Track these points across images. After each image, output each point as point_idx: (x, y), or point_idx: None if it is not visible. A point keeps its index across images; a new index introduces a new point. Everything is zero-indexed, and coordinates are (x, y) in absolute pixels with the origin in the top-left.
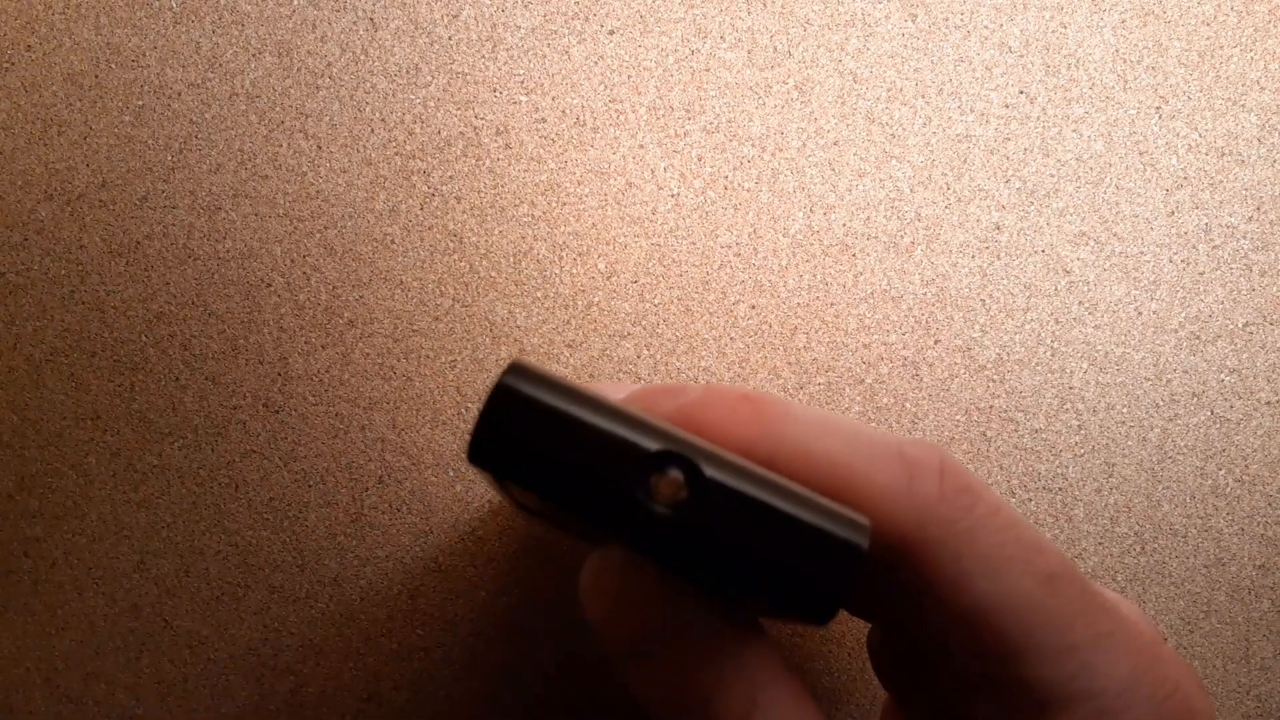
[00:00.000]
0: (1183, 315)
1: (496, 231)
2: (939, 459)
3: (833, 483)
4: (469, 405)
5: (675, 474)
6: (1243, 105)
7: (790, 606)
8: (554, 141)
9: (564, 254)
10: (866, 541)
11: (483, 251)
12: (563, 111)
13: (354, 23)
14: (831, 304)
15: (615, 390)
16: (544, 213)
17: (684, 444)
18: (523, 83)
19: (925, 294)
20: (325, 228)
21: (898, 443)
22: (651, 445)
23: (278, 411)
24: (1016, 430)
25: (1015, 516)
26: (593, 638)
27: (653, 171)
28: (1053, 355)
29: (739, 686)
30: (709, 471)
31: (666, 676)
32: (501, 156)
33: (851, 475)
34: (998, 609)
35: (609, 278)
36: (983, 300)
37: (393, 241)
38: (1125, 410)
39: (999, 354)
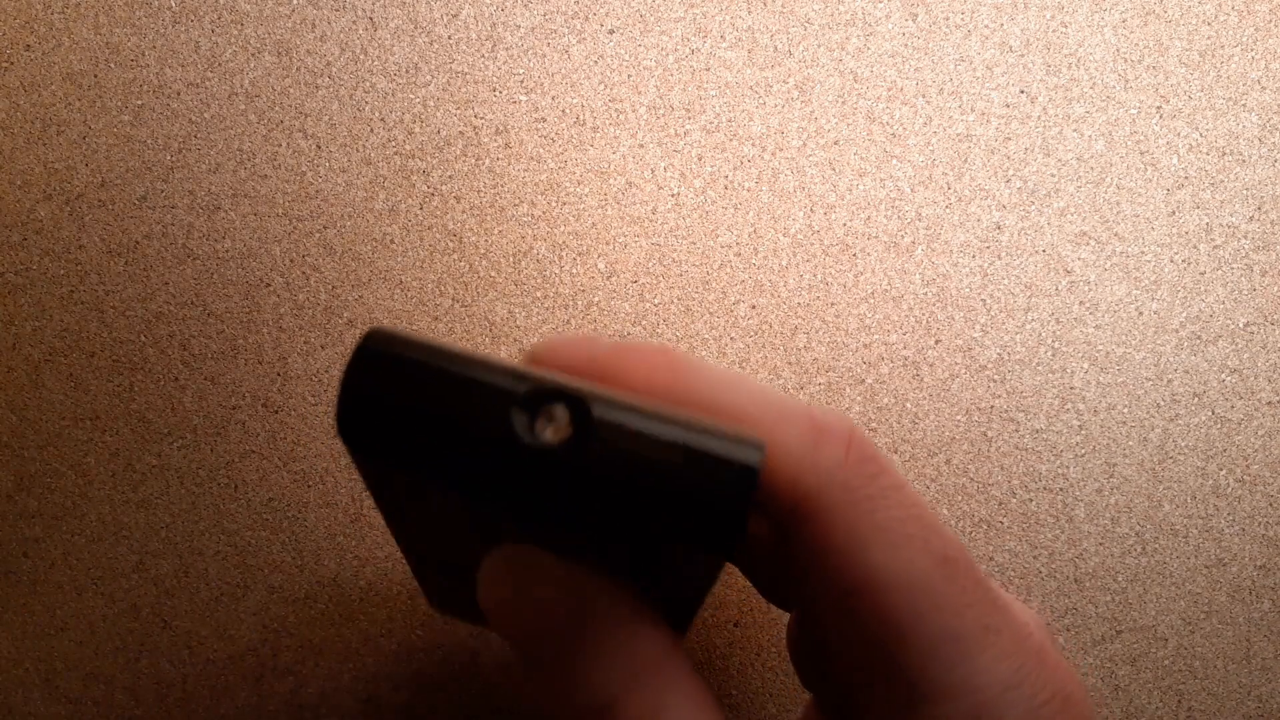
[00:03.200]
0: (1184, 315)
1: (496, 231)
2: (848, 428)
3: None
4: None
5: (560, 411)
6: (1244, 105)
7: (690, 535)
8: (554, 141)
9: (564, 253)
10: (760, 456)
11: (482, 251)
12: (562, 111)
13: (353, 22)
14: (832, 304)
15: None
16: (544, 212)
17: (566, 384)
18: (522, 82)
19: (926, 294)
20: (324, 227)
21: (807, 407)
22: (524, 387)
23: (277, 411)
24: (1017, 430)
25: (918, 497)
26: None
27: (653, 171)
28: (1054, 355)
29: (643, 690)
30: (596, 409)
31: (564, 681)
32: (501, 156)
33: (757, 431)
34: (888, 585)
35: (609, 277)
36: (983, 300)
37: (392, 241)
38: (1126, 410)
39: (1000, 354)
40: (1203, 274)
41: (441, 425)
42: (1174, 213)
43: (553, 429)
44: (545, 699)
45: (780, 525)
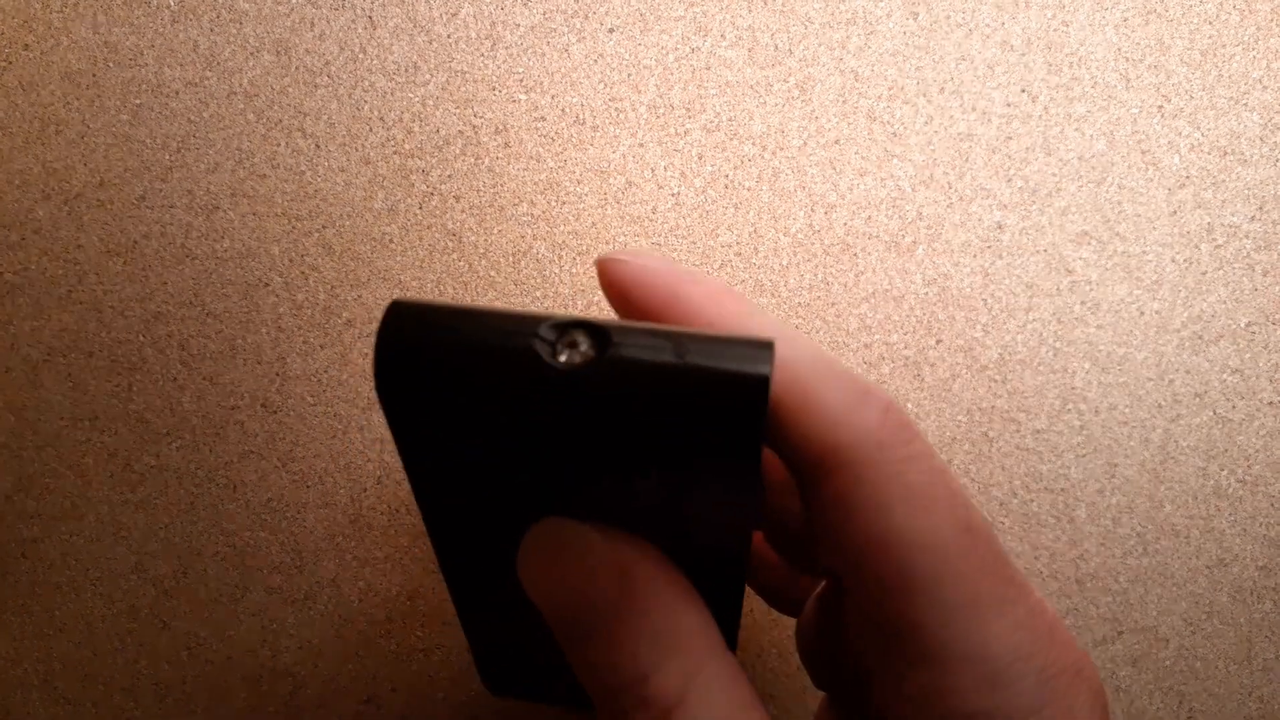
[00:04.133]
0: (1185, 315)
1: (496, 230)
2: (887, 397)
3: (789, 391)
4: None
5: (581, 338)
6: (1245, 104)
7: (713, 441)
8: (553, 140)
9: (563, 253)
10: (770, 356)
11: (482, 251)
12: (562, 110)
13: (352, 21)
14: (833, 303)
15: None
16: (543, 212)
17: (585, 317)
18: (522, 81)
19: (927, 293)
20: (323, 227)
21: (853, 374)
22: (546, 321)
23: (276, 412)
24: (1019, 430)
25: (946, 467)
26: None
27: (653, 170)
28: (1055, 355)
29: (676, 663)
30: (614, 334)
31: (602, 652)
32: (501, 155)
33: (806, 388)
34: (912, 545)
35: None
36: (985, 300)
37: (391, 241)
38: (1128, 411)
39: (1001, 354)
40: (1204, 274)
41: (473, 360)
42: (1175, 212)
43: (575, 354)
44: (582, 670)
45: (807, 476)
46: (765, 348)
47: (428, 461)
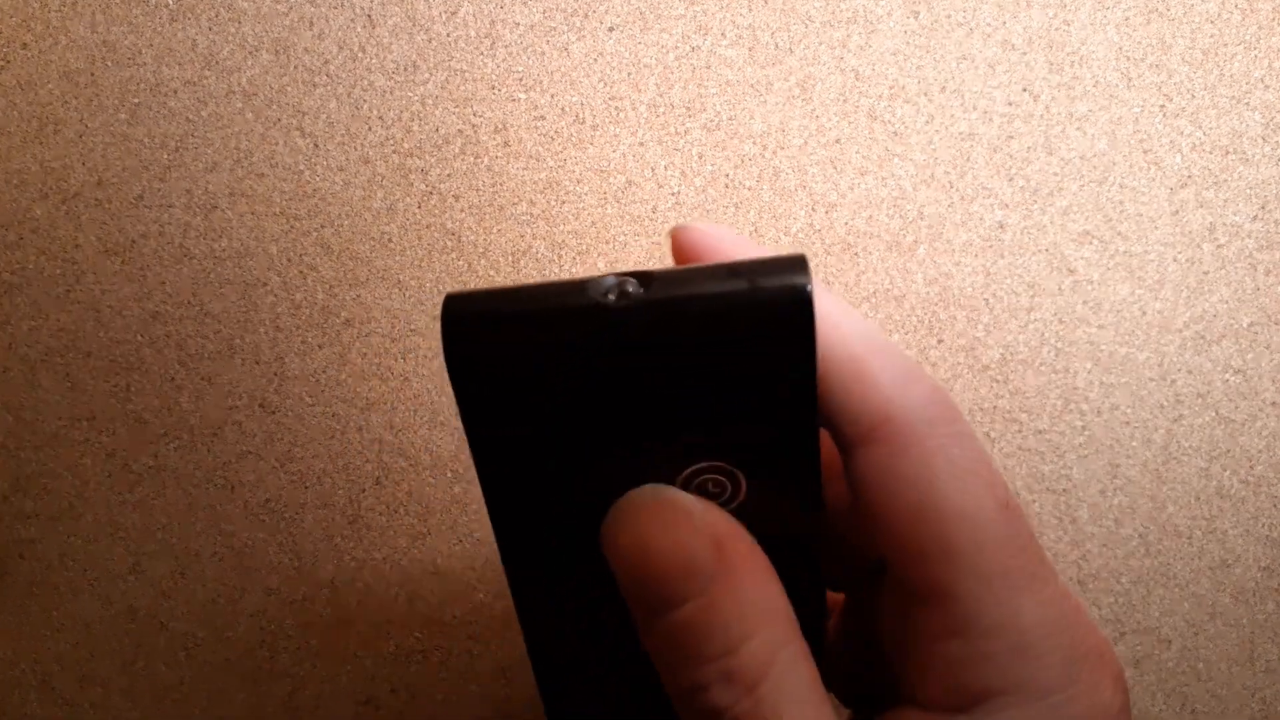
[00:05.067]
0: (1187, 315)
1: (495, 230)
2: (937, 381)
3: (845, 361)
4: None
5: (631, 283)
6: (1247, 103)
7: (765, 347)
8: (553, 139)
9: (563, 252)
10: (808, 268)
11: (481, 250)
12: (562, 109)
13: (351, 20)
14: None
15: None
16: (543, 211)
17: (631, 270)
18: (521, 80)
19: (928, 293)
20: (322, 226)
21: (905, 353)
22: (596, 276)
23: (274, 412)
24: (1020, 431)
25: (986, 450)
26: None
27: (653, 169)
28: (1057, 355)
29: (764, 636)
30: (658, 274)
31: (696, 620)
32: (500, 154)
33: (861, 358)
34: (953, 515)
35: None
36: (986, 300)
37: (390, 240)
38: (1130, 411)
39: (1003, 354)
40: (1206, 273)
41: (534, 319)
42: (1177, 212)
43: (626, 297)
44: (663, 642)
45: (856, 445)
46: (799, 261)
47: (498, 444)
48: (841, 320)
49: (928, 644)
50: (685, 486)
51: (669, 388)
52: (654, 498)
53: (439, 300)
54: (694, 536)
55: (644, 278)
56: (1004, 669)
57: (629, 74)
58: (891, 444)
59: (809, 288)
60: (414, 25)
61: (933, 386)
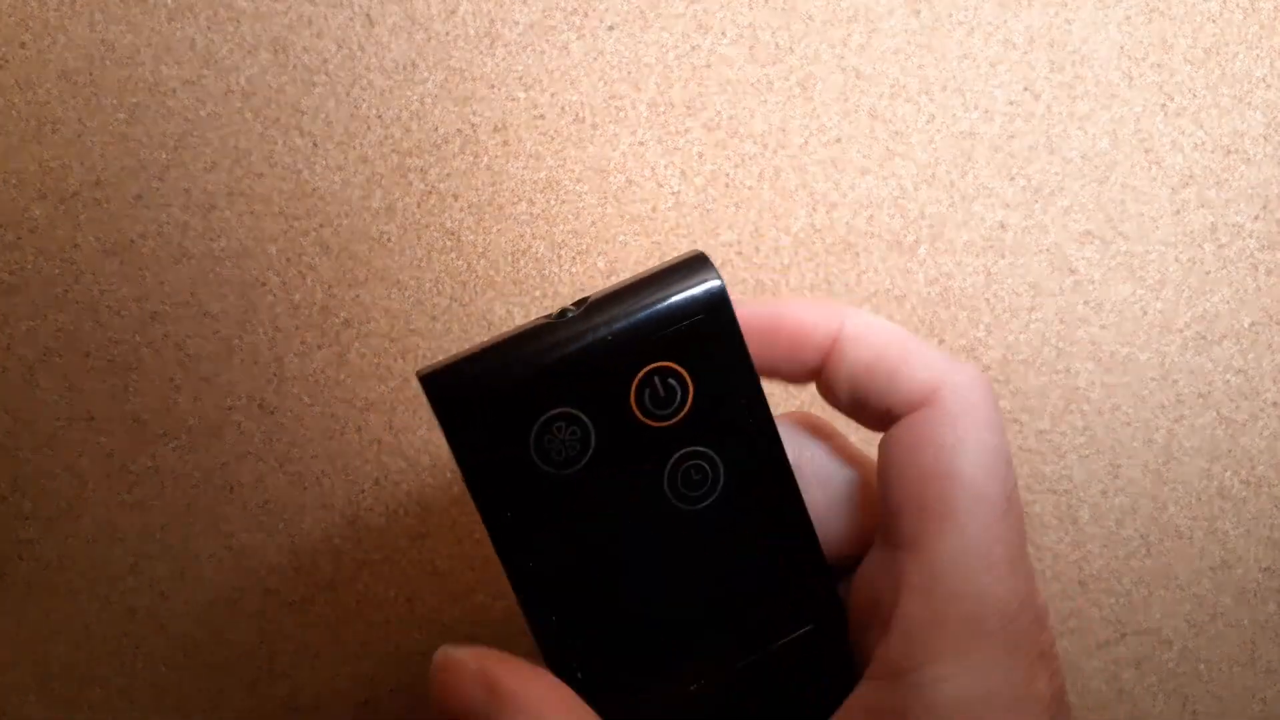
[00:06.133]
0: (1189, 315)
1: (494, 229)
2: (981, 370)
3: (894, 344)
4: None
5: (573, 307)
6: (1249, 103)
7: (689, 329)
8: (553, 138)
9: (563, 252)
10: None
11: (480, 250)
12: (561, 108)
13: (350, 19)
14: None
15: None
16: (543, 210)
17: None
18: (521, 79)
19: (929, 293)
20: (321, 226)
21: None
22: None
23: (273, 412)
24: (1022, 431)
25: (1007, 447)
26: None
27: (653, 169)
28: (1058, 355)
29: None
30: (591, 297)
31: None
32: (499, 154)
33: (910, 344)
34: (963, 483)
35: (609, 276)
36: (987, 299)
37: (389, 240)
38: (1131, 411)
39: (1004, 354)
40: (1208, 273)
41: (503, 357)
42: (1179, 211)
43: (571, 310)
44: None
45: (896, 412)
46: (699, 256)
47: (502, 485)
48: (878, 321)
49: (893, 598)
50: (673, 477)
51: (623, 382)
52: (438, 659)
53: (439, 300)
54: (470, 685)
55: (583, 301)
56: (953, 639)
57: (629, 73)
58: (932, 409)
59: (704, 256)
60: (413, 24)
61: (977, 374)
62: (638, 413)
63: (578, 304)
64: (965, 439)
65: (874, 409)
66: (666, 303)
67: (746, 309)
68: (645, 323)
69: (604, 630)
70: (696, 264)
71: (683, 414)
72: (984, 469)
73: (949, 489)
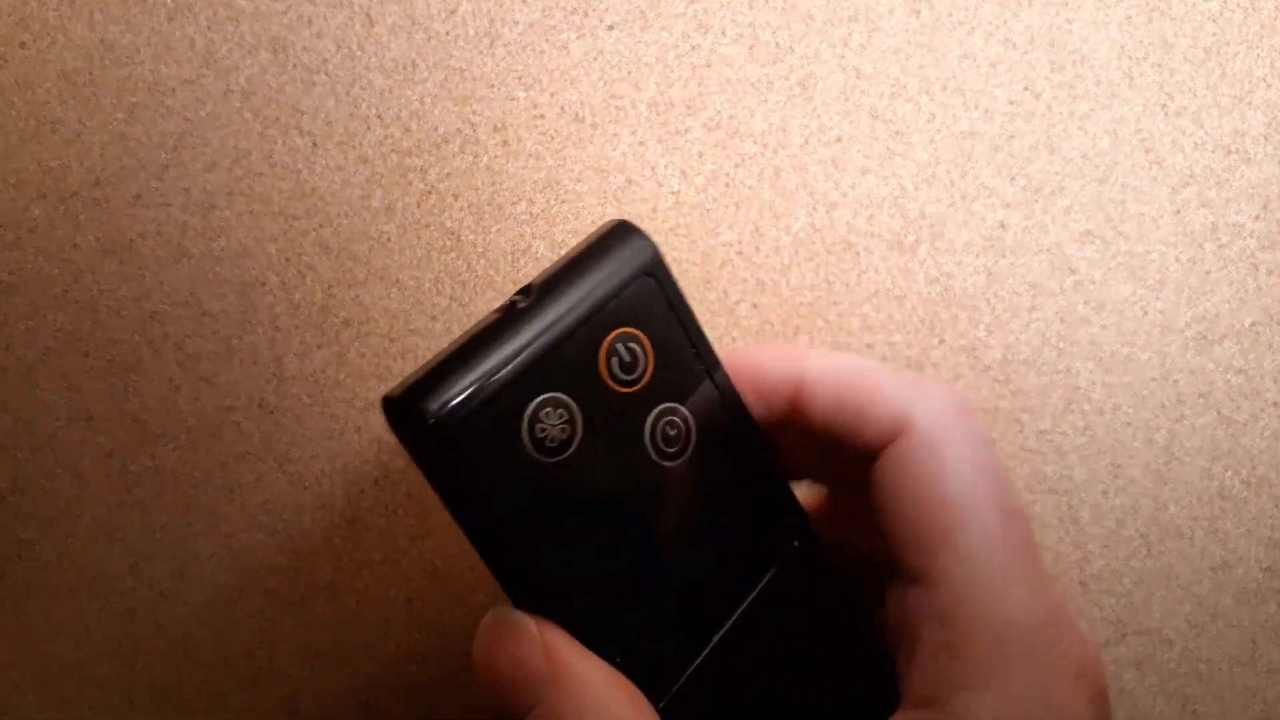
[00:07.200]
0: (1189, 315)
1: (494, 229)
2: (951, 389)
3: (856, 377)
4: None
5: (520, 298)
6: (1249, 102)
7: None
8: (552, 138)
9: (562, 252)
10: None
11: (480, 250)
12: (561, 108)
13: (350, 18)
14: (835, 303)
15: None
16: (542, 210)
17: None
18: (521, 78)
19: (930, 293)
20: (321, 226)
21: (912, 374)
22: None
23: (272, 412)
24: (1022, 431)
25: (997, 456)
26: None
27: (653, 168)
28: (1059, 355)
29: None
30: (533, 283)
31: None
32: (499, 153)
33: (870, 372)
34: (954, 508)
35: None
36: (988, 299)
37: (389, 240)
38: (1132, 411)
39: (1004, 354)
40: (1208, 273)
41: (469, 356)
42: (1179, 211)
43: (521, 300)
44: None
45: (872, 448)
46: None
47: (487, 492)
48: (839, 358)
49: (916, 629)
50: (653, 437)
51: (591, 355)
52: (495, 618)
53: (439, 300)
54: (529, 648)
55: (528, 289)
56: (980, 665)
57: (629, 72)
58: (908, 441)
59: (628, 223)
60: (412, 24)
61: (947, 391)
62: (610, 382)
63: (523, 292)
64: (944, 463)
65: (853, 446)
66: (611, 273)
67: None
68: (597, 296)
69: (620, 603)
70: (624, 231)
71: (648, 375)
72: (970, 489)
73: (941, 520)
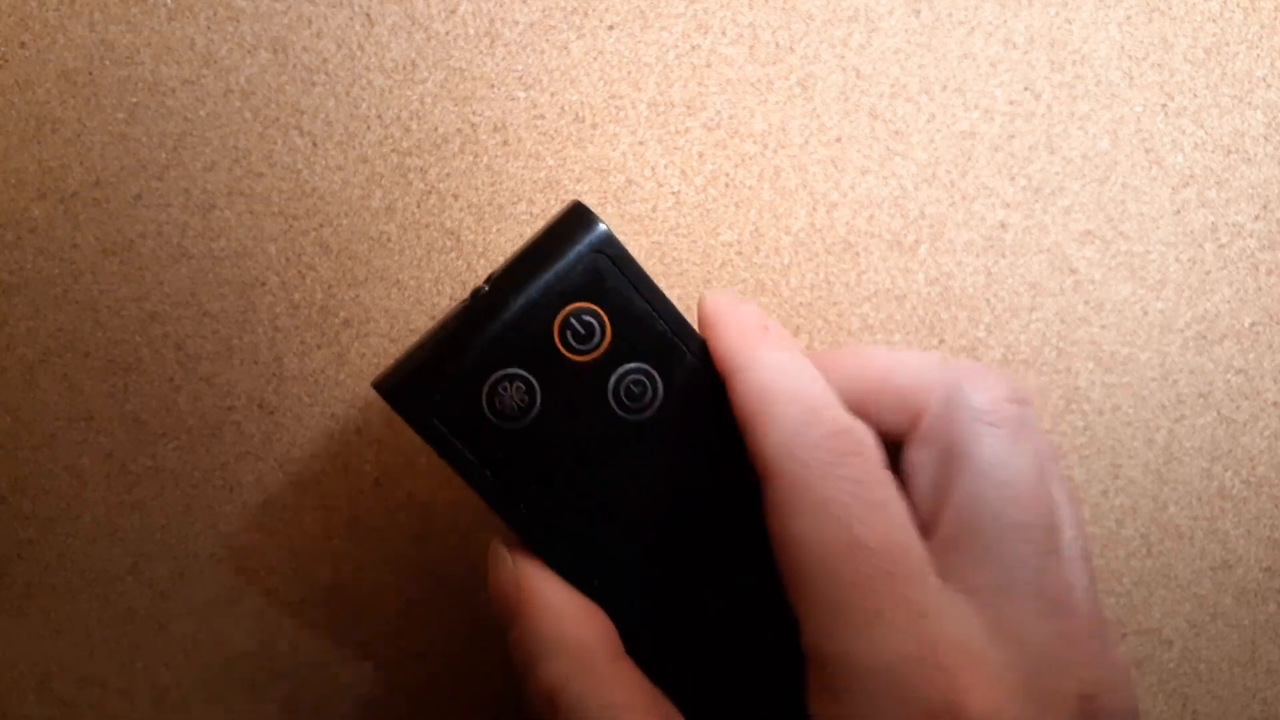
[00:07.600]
0: (1189, 315)
1: (494, 230)
2: (846, 422)
3: (749, 406)
4: None
5: (479, 286)
6: (1249, 102)
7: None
8: (552, 138)
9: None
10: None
11: (480, 250)
12: (561, 108)
13: (350, 18)
14: (835, 303)
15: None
16: (542, 210)
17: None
18: (521, 78)
19: (929, 293)
20: (321, 226)
21: (815, 394)
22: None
23: (272, 413)
24: None
25: (873, 492)
26: None
27: (653, 169)
28: (1059, 355)
29: (552, 668)
30: (490, 275)
31: (514, 641)
32: (499, 153)
33: (761, 404)
34: (806, 549)
35: None
36: (988, 300)
37: (389, 240)
38: (1132, 411)
39: (1004, 354)
40: (1208, 273)
41: (436, 341)
42: (1179, 211)
43: (486, 284)
44: (517, 678)
45: (758, 482)
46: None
47: (475, 452)
48: (756, 376)
49: (805, 670)
50: (616, 395)
51: (545, 330)
52: (490, 551)
53: (439, 300)
54: (506, 577)
55: (490, 277)
56: (851, 707)
57: (629, 72)
58: (771, 484)
59: (580, 204)
60: (412, 23)
61: (832, 430)
62: (565, 352)
63: (487, 281)
64: (800, 506)
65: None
66: (562, 253)
67: (847, 365)
68: (549, 276)
69: (597, 543)
70: (577, 214)
71: (606, 343)
72: (822, 530)
73: (796, 561)
